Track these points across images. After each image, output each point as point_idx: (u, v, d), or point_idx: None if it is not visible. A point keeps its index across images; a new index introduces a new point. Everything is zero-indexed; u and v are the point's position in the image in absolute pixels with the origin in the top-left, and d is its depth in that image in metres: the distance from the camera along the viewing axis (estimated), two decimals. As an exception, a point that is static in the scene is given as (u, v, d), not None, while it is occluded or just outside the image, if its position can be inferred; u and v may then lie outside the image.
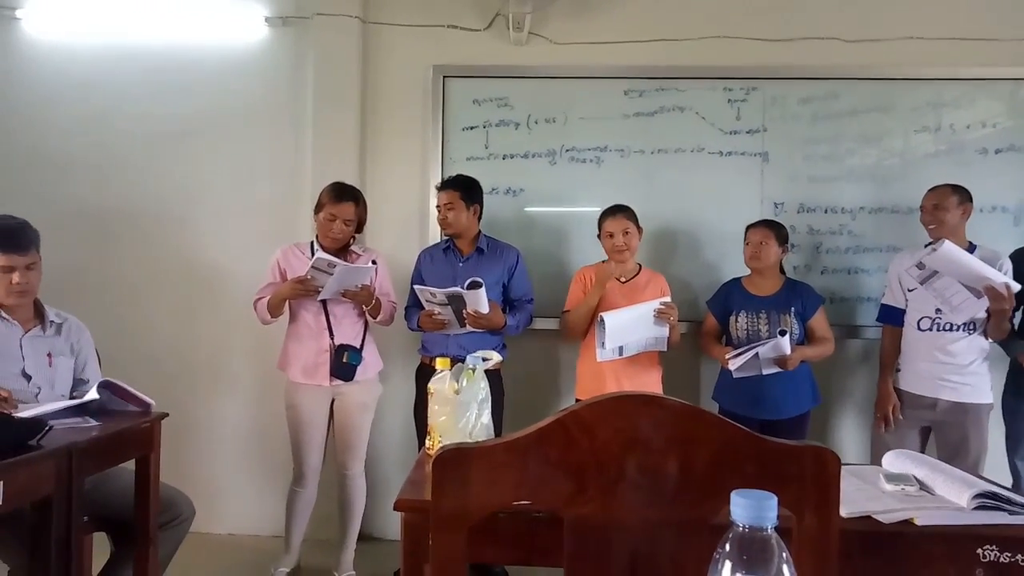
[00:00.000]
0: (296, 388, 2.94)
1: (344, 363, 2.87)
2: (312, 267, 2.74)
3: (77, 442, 1.90)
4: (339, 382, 2.90)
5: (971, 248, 2.82)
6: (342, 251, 2.94)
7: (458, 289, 2.77)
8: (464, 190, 2.98)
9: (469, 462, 0.85)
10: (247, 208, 3.53)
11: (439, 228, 3.13)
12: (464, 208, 2.97)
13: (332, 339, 2.90)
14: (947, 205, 2.85)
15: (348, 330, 2.93)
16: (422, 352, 3.07)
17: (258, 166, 3.54)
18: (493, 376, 2.95)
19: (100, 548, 2.37)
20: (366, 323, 3.00)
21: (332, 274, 2.73)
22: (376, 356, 3.05)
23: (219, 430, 3.58)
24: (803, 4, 3.40)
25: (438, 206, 3.01)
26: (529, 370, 3.38)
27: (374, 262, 2.94)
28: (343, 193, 2.89)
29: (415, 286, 2.92)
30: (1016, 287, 2.61)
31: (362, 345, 2.95)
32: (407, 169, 3.50)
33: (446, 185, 3.00)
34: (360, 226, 2.98)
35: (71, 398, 2.34)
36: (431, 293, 2.81)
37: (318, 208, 2.91)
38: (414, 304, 3.03)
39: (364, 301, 2.86)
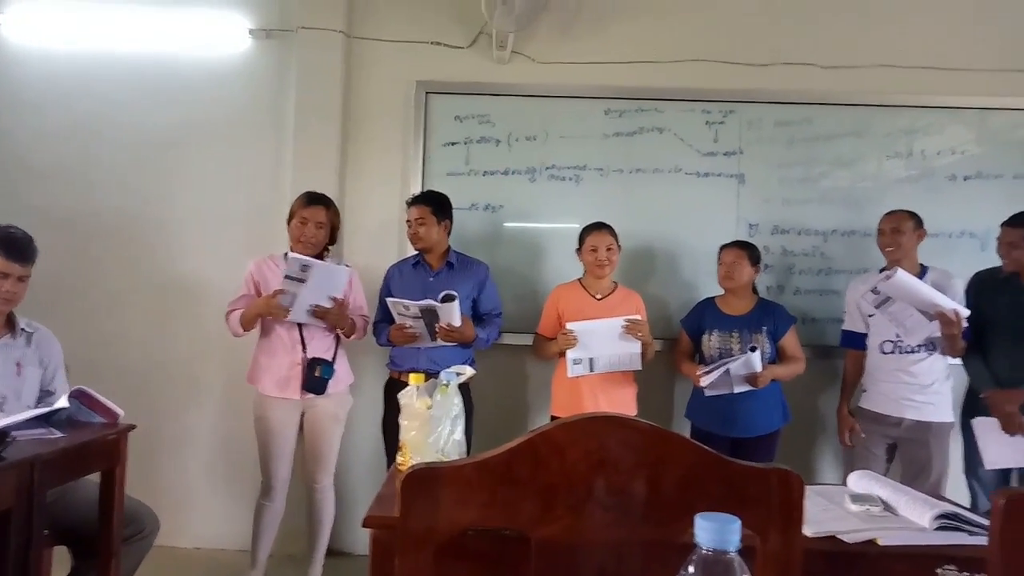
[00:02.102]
0: (266, 401, 2.91)
1: (316, 377, 2.86)
2: (285, 276, 2.73)
3: (41, 454, 1.87)
4: (310, 395, 2.88)
5: (922, 270, 2.92)
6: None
7: (432, 302, 2.77)
8: (435, 205, 2.99)
9: (438, 481, 0.85)
10: (226, 219, 3.51)
11: (410, 242, 3.08)
12: (435, 223, 2.98)
13: (304, 352, 2.89)
14: (904, 229, 2.93)
15: (320, 343, 2.92)
16: (391, 366, 3.06)
17: (239, 177, 3.52)
18: (462, 390, 2.95)
19: (60, 562, 2.32)
20: (338, 336, 2.99)
21: (305, 280, 2.72)
22: (347, 369, 3.04)
23: (186, 442, 3.53)
24: (781, 30, 3.47)
25: (408, 221, 3.01)
26: (499, 385, 3.39)
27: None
28: (313, 198, 2.92)
29: (388, 299, 2.91)
30: (965, 313, 2.71)
31: (334, 358, 2.94)
32: (387, 183, 3.50)
33: (417, 200, 3.01)
34: (333, 234, 2.98)
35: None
36: (404, 306, 2.81)
37: (290, 217, 2.92)
38: (383, 319, 3.02)
39: (336, 321, 2.84)
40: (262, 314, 2.83)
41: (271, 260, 2.99)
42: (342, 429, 3.04)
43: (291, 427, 2.94)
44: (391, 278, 3.08)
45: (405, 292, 2.94)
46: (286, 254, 2.94)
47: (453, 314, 2.78)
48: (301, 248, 2.88)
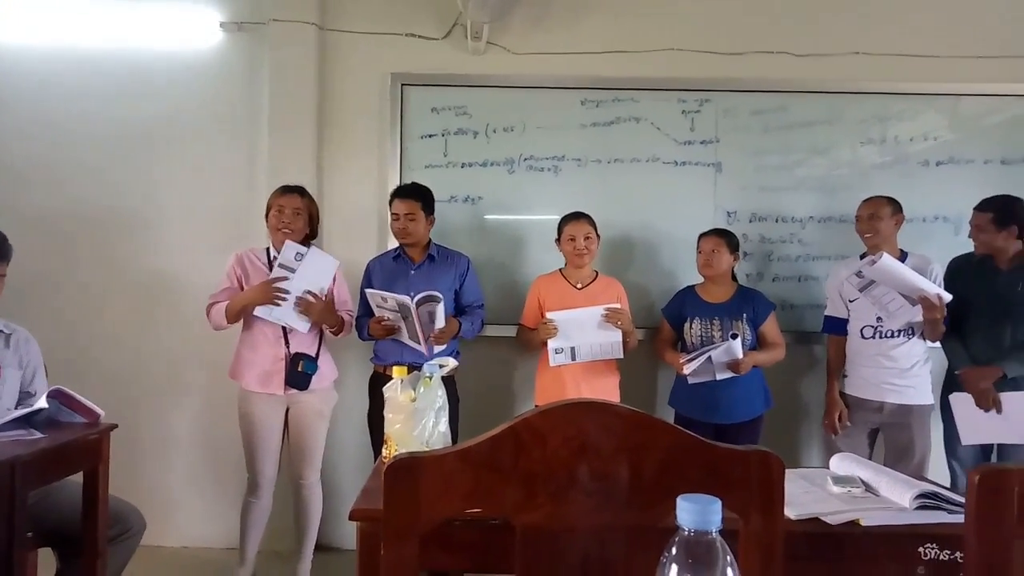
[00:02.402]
0: (249, 397, 2.90)
1: (299, 372, 2.85)
2: (279, 264, 2.76)
3: (21, 455, 1.85)
4: (294, 391, 2.87)
5: (903, 255, 2.96)
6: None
7: (407, 301, 2.74)
8: (424, 200, 2.99)
9: (421, 471, 0.85)
10: (203, 215, 3.47)
11: (394, 235, 3.08)
12: (423, 218, 2.98)
13: (288, 348, 2.87)
14: (882, 215, 2.97)
15: (303, 338, 2.90)
16: (375, 361, 3.05)
17: (214, 173, 3.48)
18: (447, 382, 2.95)
19: (45, 563, 2.30)
20: (321, 331, 2.97)
21: (295, 269, 2.77)
22: (331, 365, 3.03)
23: (171, 440, 3.50)
24: (755, 19, 3.49)
25: (396, 215, 2.99)
26: (484, 377, 3.39)
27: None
28: (287, 188, 2.93)
29: (366, 290, 2.91)
30: (947, 297, 2.76)
31: (317, 354, 2.93)
32: (365, 176, 3.48)
33: (406, 195, 2.99)
34: (312, 222, 2.96)
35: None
36: (382, 298, 2.81)
37: (267, 211, 2.92)
38: (365, 314, 3.01)
39: (321, 316, 2.84)
40: (255, 302, 2.79)
41: (252, 253, 2.97)
42: (327, 425, 3.03)
43: (276, 423, 2.93)
44: (372, 272, 3.07)
45: (386, 286, 2.94)
46: (268, 250, 2.93)
47: (438, 315, 2.78)
48: (281, 237, 2.86)
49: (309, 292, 2.81)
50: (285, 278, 2.79)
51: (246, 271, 2.91)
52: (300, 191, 2.93)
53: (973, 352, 2.87)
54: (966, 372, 2.84)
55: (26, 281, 3.28)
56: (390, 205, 3.03)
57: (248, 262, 2.93)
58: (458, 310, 3.04)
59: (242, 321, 2.91)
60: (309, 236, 2.97)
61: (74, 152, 3.48)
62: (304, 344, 2.90)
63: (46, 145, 3.47)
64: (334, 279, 2.93)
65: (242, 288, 2.88)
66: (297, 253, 2.78)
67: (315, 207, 2.99)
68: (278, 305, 2.78)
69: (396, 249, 3.08)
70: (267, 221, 2.91)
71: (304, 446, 2.96)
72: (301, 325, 2.84)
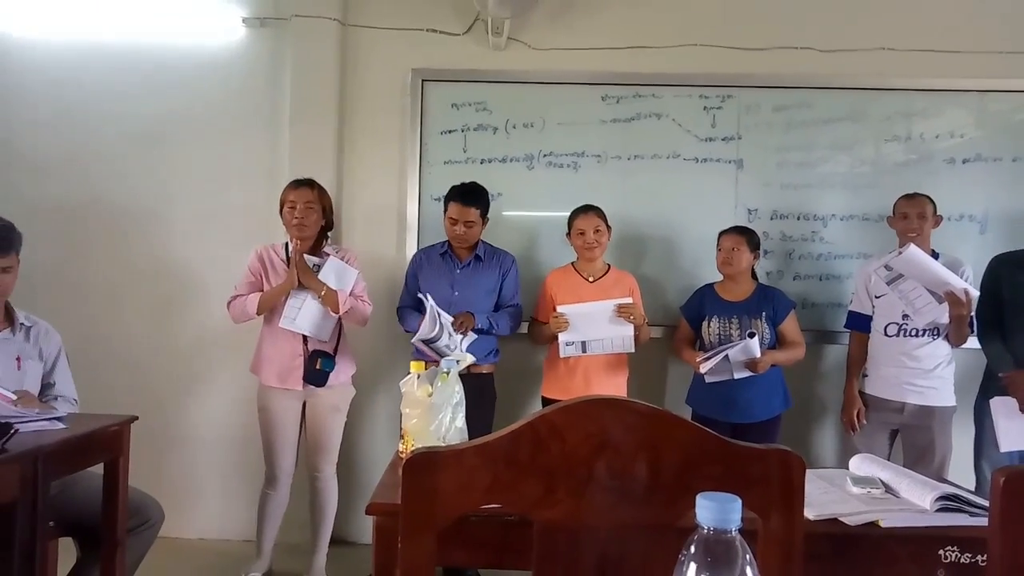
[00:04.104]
0: (268, 391, 2.92)
1: (317, 369, 2.87)
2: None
3: (43, 446, 1.87)
4: (311, 387, 2.89)
5: (934, 255, 2.89)
6: (314, 250, 2.93)
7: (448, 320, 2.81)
8: (485, 207, 3.00)
9: (439, 466, 0.85)
10: (222, 210, 3.50)
11: (448, 237, 3.06)
12: (482, 224, 3.01)
13: (306, 345, 2.89)
14: (927, 214, 2.94)
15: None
16: (416, 356, 3.03)
17: (234, 168, 3.50)
18: (486, 379, 2.98)
19: (66, 553, 2.33)
20: (341, 328, 2.98)
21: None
22: (350, 361, 3.04)
23: (190, 433, 3.53)
24: (778, 15, 3.45)
25: (453, 219, 2.97)
26: (517, 373, 3.37)
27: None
28: (299, 182, 2.92)
29: (428, 304, 2.79)
30: (975, 294, 2.70)
31: (335, 351, 2.94)
32: (385, 172, 3.49)
33: (467, 201, 2.96)
34: (327, 215, 2.96)
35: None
36: (438, 312, 2.80)
37: (281, 206, 2.92)
38: (408, 305, 3.02)
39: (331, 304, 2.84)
40: (285, 291, 2.81)
41: (271, 249, 2.99)
42: (344, 420, 3.04)
43: (293, 417, 2.95)
44: (419, 265, 3.08)
45: (431, 283, 2.98)
46: (286, 245, 2.94)
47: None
48: (296, 232, 2.86)
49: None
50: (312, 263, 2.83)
51: (265, 267, 2.94)
52: (311, 184, 2.92)
53: (1016, 353, 2.78)
54: (1014, 375, 2.74)
55: (46, 273, 3.34)
56: (445, 205, 3.02)
57: (267, 257, 2.95)
58: (495, 309, 3.06)
59: (263, 318, 2.94)
60: (325, 228, 2.98)
61: (95, 146, 3.51)
62: (323, 342, 2.92)
63: (67, 139, 3.51)
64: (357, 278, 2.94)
65: (262, 283, 2.90)
66: (315, 265, 2.83)
67: (328, 198, 2.98)
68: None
69: (443, 244, 3.09)
70: (281, 217, 2.93)
71: (320, 440, 2.98)
72: (321, 334, 2.87)
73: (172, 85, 3.49)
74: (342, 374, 2.98)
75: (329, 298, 2.81)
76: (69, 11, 3.50)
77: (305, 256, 2.83)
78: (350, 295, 2.89)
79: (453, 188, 3.04)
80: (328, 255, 2.92)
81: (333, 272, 2.85)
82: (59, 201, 3.50)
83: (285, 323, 2.82)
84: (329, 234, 3.02)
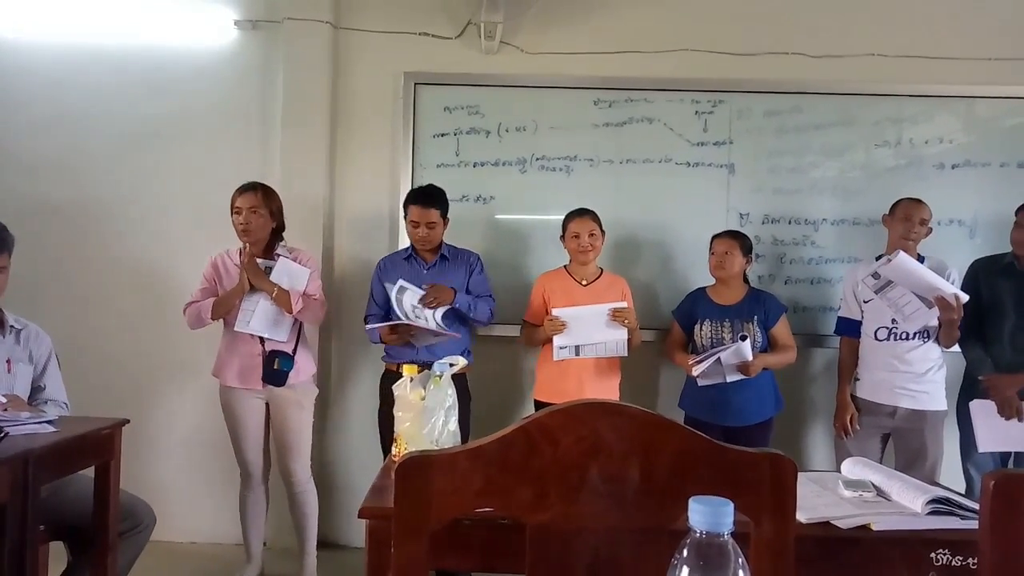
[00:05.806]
0: (230, 392, 2.95)
1: (275, 369, 2.87)
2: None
3: (34, 449, 1.86)
4: (271, 387, 2.90)
5: (920, 259, 2.92)
6: (267, 252, 2.94)
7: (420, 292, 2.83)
8: (444, 208, 3.00)
9: (432, 469, 0.85)
10: (214, 212, 3.43)
11: (411, 240, 3.05)
12: (443, 225, 3.00)
13: (263, 345, 2.89)
14: (927, 222, 2.96)
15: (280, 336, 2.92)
16: (387, 359, 3.06)
17: (226, 170, 3.46)
18: (459, 381, 2.95)
19: (57, 557, 2.31)
20: (301, 329, 2.99)
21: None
22: (309, 360, 3.04)
23: (181, 435, 3.51)
24: (769, 20, 3.47)
25: (415, 222, 2.96)
26: (493, 376, 3.38)
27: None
28: (244, 186, 2.91)
29: (389, 284, 2.89)
30: (964, 298, 2.71)
31: (294, 351, 2.93)
32: (377, 175, 3.49)
33: (426, 203, 2.95)
34: (276, 217, 2.95)
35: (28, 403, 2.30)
36: (412, 303, 2.83)
37: (231, 213, 2.92)
38: (375, 314, 3.02)
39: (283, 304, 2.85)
40: (238, 295, 2.83)
41: (227, 255, 2.99)
42: (310, 419, 3.04)
43: (257, 414, 2.96)
44: (384, 271, 3.06)
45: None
46: (240, 250, 2.93)
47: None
48: (245, 239, 2.88)
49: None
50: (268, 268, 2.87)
51: (219, 272, 2.96)
52: (255, 188, 2.90)
53: (996, 356, 2.82)
54: (992, 378, 2.78)
55: (37, 274, 3.32)
56: (405, 209, 3.02)
57: (221, 264, 2.97)
58: None
59: (223, 322, 2.94)
60: (277, 230, 2.97)
61: (87, 148, 3.50)
62: (280, 342, 2.91)
63: (60, 141, 3.50)
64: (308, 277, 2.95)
65: (217, 288, 2.93)
66: (266, 267, 2.85)
67: (277, 201, 2.96)
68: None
69: (407, 249, 3.09)
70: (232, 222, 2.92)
71: (287, 439, 2.97)
72: (277, 335, 2.87)
73: (164, 87, 3.48)
74: (302, 373, 2.97)
75: (281, 298, 2.82)
76: (61, 13, 3.48)
77: (256, 259, 2.84)
78: (303, 294, 2.88)
79: (411, 192, 3.08)
80: (280, 256, 2.92)
81: (285, 273, 2.87)
82: (50, 202, 3.48)
83: (240, 326, 2.84)
84: (283, 236, 3.00)
